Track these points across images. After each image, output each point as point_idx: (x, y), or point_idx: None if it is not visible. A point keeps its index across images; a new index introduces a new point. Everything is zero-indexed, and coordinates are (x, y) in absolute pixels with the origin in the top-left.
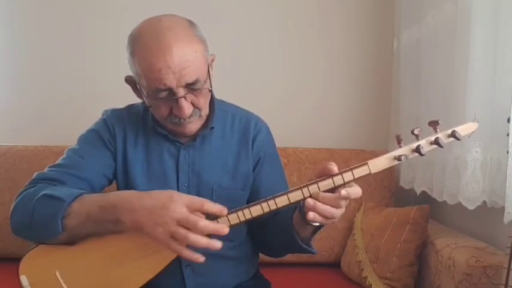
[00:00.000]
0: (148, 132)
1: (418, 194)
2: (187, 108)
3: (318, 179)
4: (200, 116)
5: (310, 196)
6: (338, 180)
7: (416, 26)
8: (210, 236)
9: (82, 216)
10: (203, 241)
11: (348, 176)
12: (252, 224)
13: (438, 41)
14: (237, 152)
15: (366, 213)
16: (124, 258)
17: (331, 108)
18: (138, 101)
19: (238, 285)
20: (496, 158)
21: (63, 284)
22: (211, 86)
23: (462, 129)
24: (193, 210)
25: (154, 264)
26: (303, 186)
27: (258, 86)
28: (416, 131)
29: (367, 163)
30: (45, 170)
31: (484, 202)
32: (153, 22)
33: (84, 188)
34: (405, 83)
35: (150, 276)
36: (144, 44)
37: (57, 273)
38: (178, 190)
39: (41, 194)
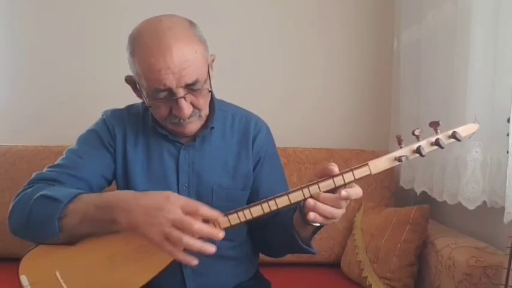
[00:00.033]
0: (148, 132)
1: (418, 194)
2: (186, 108)
3: (318, 180)
4: (200, 116)
5: (311, 196)
6: (339, 180)
7: (416, 26)
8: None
9: (79, 217)
10: (197, 244)
11: (348, 177)
12: (252, 224)
13: (438, 41)
14: (237, 152)
15: (366, 213)
16: (124, 259)
17: (331, 108)
18: (138, 101)
19: (238, 285)
20: (496, 158)
21: (63, 284)
22: (211, 87)
23: (463, 130)
24: (187, 212)
25: (154, 265)
26: (304, 187)
27: (258, 86)
28: (417, 132)
29: (367, 164)
30: (44, 170)
31: (484, 202)
32: (153, 22)
33: (83, 188)
34: (405, 83)
35: (150, 276)
36: (144, 44)
37: (57, 273)
38: (178, 190)
39: (38, 194)
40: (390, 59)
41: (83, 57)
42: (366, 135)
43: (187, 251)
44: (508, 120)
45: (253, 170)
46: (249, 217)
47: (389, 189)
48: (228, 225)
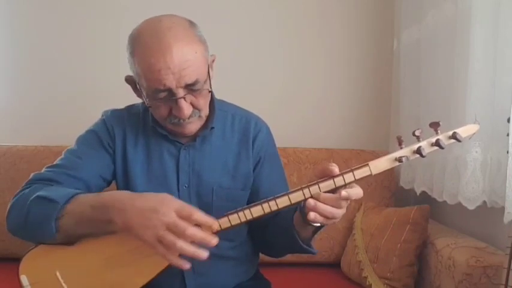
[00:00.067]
0: (149, 132)
1: (418, 194)
2: (186, 108)
3: (319, 180)
4: (200, 116)
5: (311, 197)
6: (339, 181)
7: (416, 26)
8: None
9: (76, 217)
10: (190, 249)
11: (348, 177)
12: (252, 224)
13: (438, 41)
14: (237, 152)
15: (366, 213)
16: (124, 259)
17: (331, 108)
18: (138, 101)
19: (239, 285)
20: (496, 158)
21: (64, 284)
22: (211, 87)
23: (463, 131)
24: (182, 216)
25: (155, 265)
26: (304, 187)
27: (258, 86)
28: (417, 133)
29: (368, 164)
30: (43, 170)
31: (484, 202)
32: (153, 22)
33: (81, 188)
34: (405, 83)
35: (150, 277)
36: (144, 44)
37: (58, 273)
38: (178, 190)
39: (35, 195)
40: (390, 59)
41: (83, 57)
42: (366, 135)
43: (181, 254)
44: (508, 120)
45: (254, 170)
46: (249, 217)
47: (390, 189)
48: (229, 225)
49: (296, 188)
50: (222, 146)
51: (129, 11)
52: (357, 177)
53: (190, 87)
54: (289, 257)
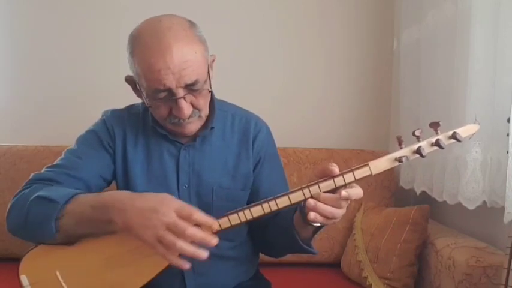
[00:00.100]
0: (149, 132)
1: (418, 194)
2: (186, 109)
3: (319, 180)
4: (200, 116)
5: (311, 197)
6: (339, 181)
7: (416, 26)
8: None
9: (76, 217)
10: (190, 249)
11: (349, 177)
12: (252, 224)
13: (438, 41)
14: (237, 152)
15: (366, 213)
16: (125, 259)
17: (331, 108)
18: (138, 101)
19: (239, 285)
20: (496, 158)
21: (64, 284)
22: (211, 87)
23: (463, 131)
24: (182, 216)
25: (155, 265)
26: (304, 187)
27: (258, 86)
28: (417, 133)
29: (368, 164)
30: (43, 170)
31: (484, 202)
32: (153, 22)
33: (81, 188)
34: (405, 83)
35: (150, 276)
36: (144, 44)
37: (58, 273)
38: (178, 190)
39: (35, 195)
40: (390, 59)
41: (83, 57)
42: (366, 135)
43: (180, 254)
44: (508, 120)
45: (254, 170)
46: (249, 217)
47: (389, 189)
48: (229, 225)
49: (296, 188)
50: (222, 146)
51: (129, 11)
52: (357, 177)
53: (190, 87)
54: (289, 257)
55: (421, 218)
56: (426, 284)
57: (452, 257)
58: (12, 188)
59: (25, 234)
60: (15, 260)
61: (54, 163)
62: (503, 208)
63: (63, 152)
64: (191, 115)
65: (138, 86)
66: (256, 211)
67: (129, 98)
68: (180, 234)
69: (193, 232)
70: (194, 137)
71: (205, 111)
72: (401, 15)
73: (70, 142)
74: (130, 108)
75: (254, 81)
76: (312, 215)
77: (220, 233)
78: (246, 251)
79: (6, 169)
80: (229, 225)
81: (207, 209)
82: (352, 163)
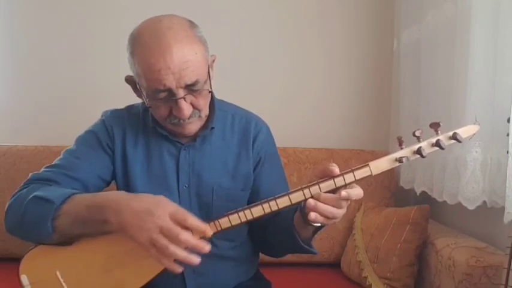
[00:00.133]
0: (149, 132)
1: (418, 194)
2: (186, 109)
3: (319, 180)
4: (200, 116)
5: (312, 197)
6: (339, 181)
7: (416, 26)
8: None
9: (72, 217)
10: (182, 254)
11: (349, 177)
12: (252, 224)
13: (438, 41)
14: (237, 153)
15: (366, 213)
16: (125, 259)
17: (331, 108)
18: (138, 101)
19: (239, 285)
20: (496, 158)
21: (64, 284)
22: (211, 87)
23: (463, 131)
24: (176, 220)
25: (155, 266)
26: (305, 187)
27: (258, 86)
28: (417, 133)
29: (368, 164)
30: (41, 170)
31: (484, 202)
32: (154, 22)
33: (79, 189)
34: (405, 83)
35: (150, 276)
36: (144, 44)
37: (58, 273)
38: (178, 190)
39: (32, 195)
40: (390, 59)
41: (83, 57)
42: (366, 135)
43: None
44: (508, 120)
45: (254, 170)
46: (249, 217)
47: (389, 189)
48: (229, 225)
49: (296, 188)
50: (222, 146)
51: (129, 11)
52: (357, 178)
53: (190, 88)
54: (289, 257)
55: (421, 218)
56: (426, 284)
57: (452, 257)
58: (12, 188)
59: (22, 234)
60: (15, 260)
61: (53, 163)
62: (503, 208)
63: (61, 152)
64: (191, 115)
65: (138, 86)
66: (257, 211)
67: (129, 98)
68: (173, 239)
69: (186, 238)
70: (194, 137)
71: (205, 112)
72: (401, 15)
73: (70, 142)
74: (130, 108)
75: (254, 81)
76: (312, 215)
77: (221, 233)
78: (246, 251)
79: (6, 169)
80: (229, 225)
81: (207, 209)
82: (352, 163)
